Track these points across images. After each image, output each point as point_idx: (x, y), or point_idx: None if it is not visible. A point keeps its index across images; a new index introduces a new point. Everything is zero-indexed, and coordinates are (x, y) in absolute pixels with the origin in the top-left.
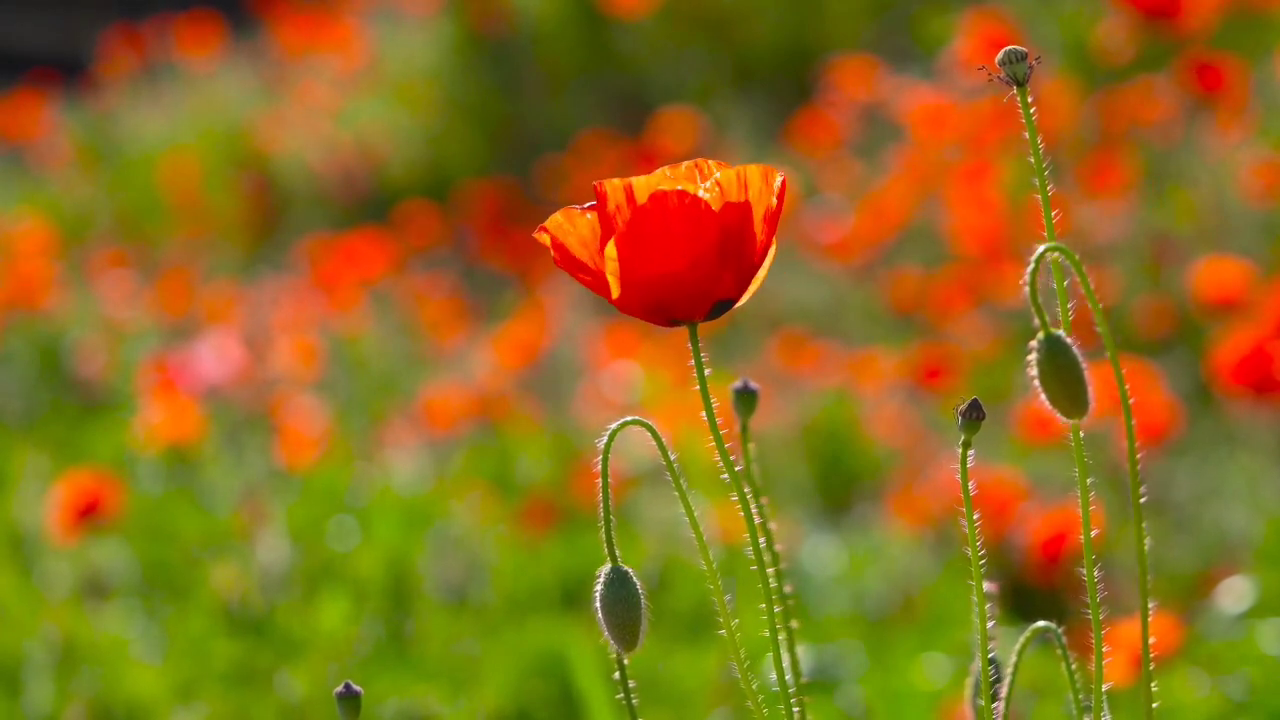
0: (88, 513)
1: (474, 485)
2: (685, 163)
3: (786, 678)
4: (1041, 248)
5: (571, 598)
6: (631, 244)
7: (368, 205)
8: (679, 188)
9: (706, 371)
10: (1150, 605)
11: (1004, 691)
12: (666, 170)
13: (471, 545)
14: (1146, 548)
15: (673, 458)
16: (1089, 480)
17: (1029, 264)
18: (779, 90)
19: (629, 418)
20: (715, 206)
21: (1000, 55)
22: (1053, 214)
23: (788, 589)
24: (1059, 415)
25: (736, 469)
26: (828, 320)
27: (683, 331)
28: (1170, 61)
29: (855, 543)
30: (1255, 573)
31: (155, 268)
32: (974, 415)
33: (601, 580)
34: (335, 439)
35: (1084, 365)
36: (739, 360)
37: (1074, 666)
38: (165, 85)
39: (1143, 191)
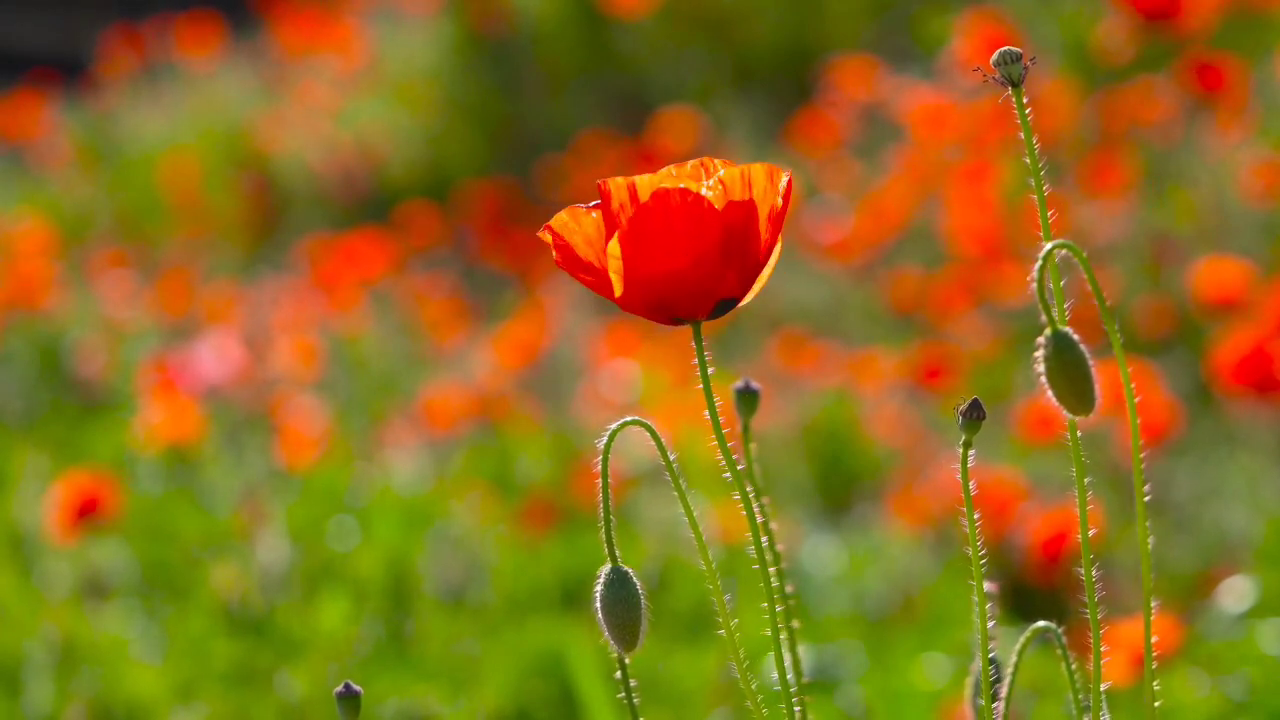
0: (86, 513)
1: (474, 485)
2: (691, 161)
3: (788, 677)
4: (1049, 245)
5: (571, 598)
6: (634, 242)
7: (368, 205)
8: (682, 186)
9: (709, 370)
10: (1152, 605)
11: (1004, 691)
12: (671, 169)
13: (471, 545)
14: (1149, 547)
15: (672, 458)
16: (1088, 480)
17: (1037, 261)
18: (779, 90)
19: (629, 418)
20: (718, 205)
21: (995, 56)
22: (1050, 214)
23: (789, 589)
24: (1065, 412)
25: (738, 469)
26: (828, 320)
27: (682, 331)
28: (1170, 61)
29: (855, 543)
30: (1255, 573)
31: (155, 268)
32: (975, 415)
33: (601, 580)
34: (335, 439)
35: (1091, 362)
36: (739, 360)
37: (1074, 666)
38: (165, 85)
39: (1143, 191)
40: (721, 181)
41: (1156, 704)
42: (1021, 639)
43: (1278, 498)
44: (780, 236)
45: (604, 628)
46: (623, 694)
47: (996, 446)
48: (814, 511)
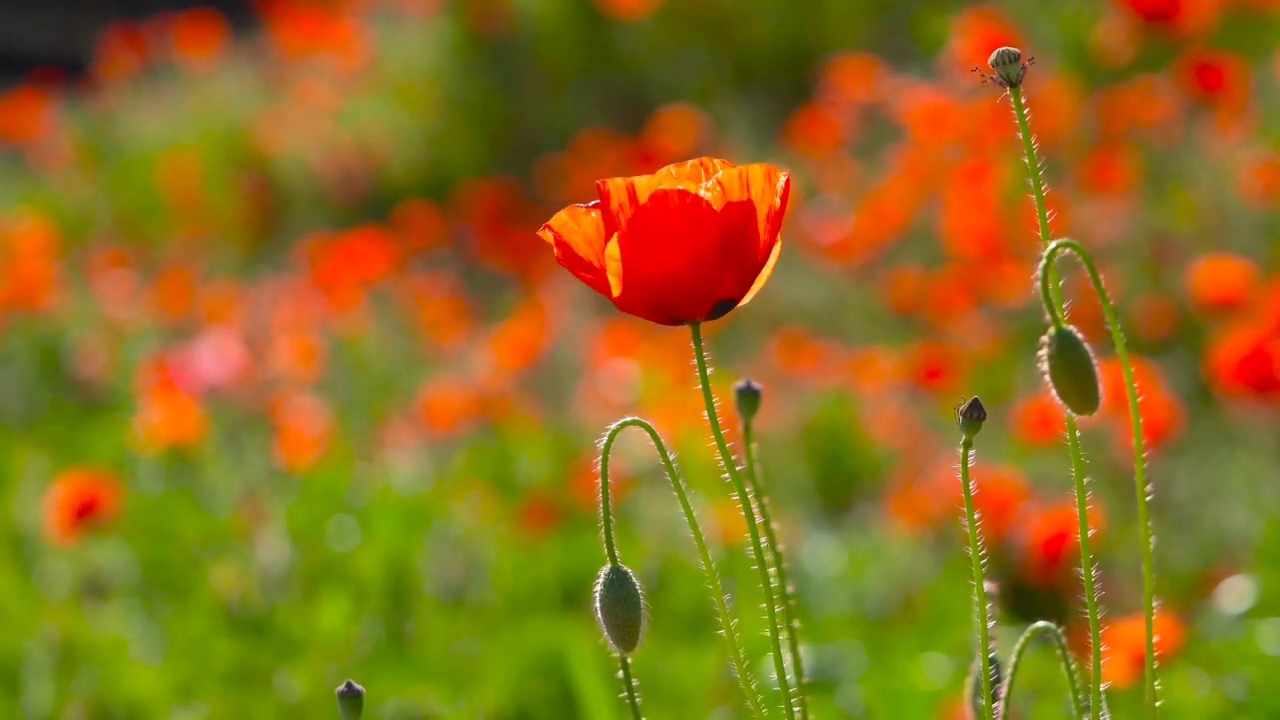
0: (85, 513)
1: (474, 485)
2: (690, 161)
3: (788, 678)
4: (1053, 244)
5: (571, 598)
6: (633, 243)
7: (368, 205)
8: (681, 187)
9: (708, 371)
10: (1154, 604)
11: (1004, 691)
12: (671, 169)
13: (471, 545)
14: (1150, 546)
15: (672, 458)
16: (1088, 480)
17: (1041, 261)
18: (779, 90)
19: (629, 418)
20: (717, 206)
21: (993, 56)
22: (1050, 214)
23: (790, 589)
24: (1069, 411)
25: (738, 469)
26: (828, 320)
27: (682, 331)
28: (1170, 61)
29: (855, 543)
30: (1255, 573)
31: (155, 268)
32: (975, 415)
33: (601, 580)
34: (335, 439)
35: (1095, 361)
36: (739, 360)
37: (1073, 666)
38: (165, 85)
39: (1143, 191)
40: (720, 182)
41: (1157, 704)
42: (1021, 639)
43: (1278, 498)
44: (779, 237)
45: (604, 628)
46: (624, 694)
47: (996, 446)
48: (814, 511)
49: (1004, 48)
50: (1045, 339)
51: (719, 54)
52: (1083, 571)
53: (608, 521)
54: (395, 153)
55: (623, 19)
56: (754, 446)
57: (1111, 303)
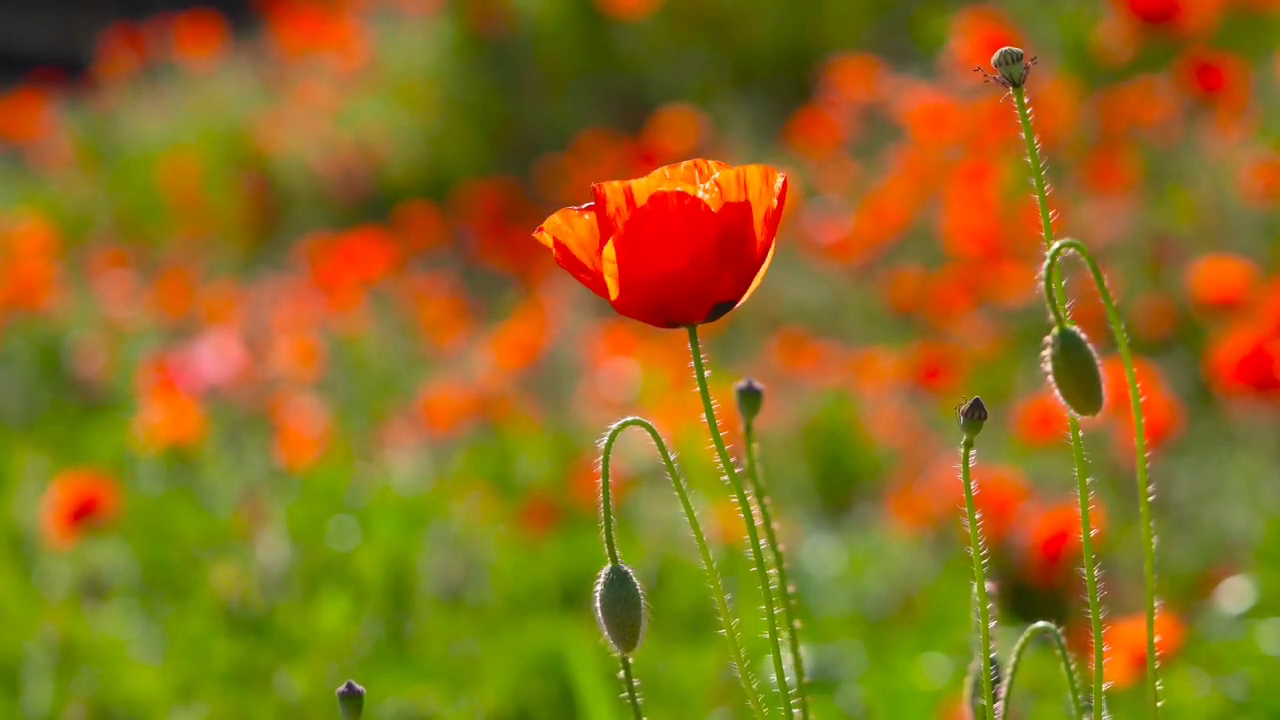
0: (83, 514)
1: (474, 485)
2: (685, 162)
3: (788, 678)
4: (1057, 244)
5: (571, 598)
6: (630, 246)
7: (368, 205)
8: (678, 189)
9: (706, 373)
10: (1155, 604)
11: (1004, 691)
12: (666, 170)
13: (471, 545)
14: (1152, 547)
15: (673, 458)
16: (1089, 480)
17: (1044, 261)
18: (779, 90)
19: (630, 418)
20: (714, 208)
21: (996, 56)
22: (1051, 214)
23: (790, 589)
24: (1072, 411)
25: (737, 470)
26: (828, 320)
27: (683, 331)
28: (1170, 61)
29: (855, 543)
30: (1255, 573)
31: (155, 268)
32: (976, 415)
33: (601, 580)
34: (335, 439)
35: (1098, 362)
36: (739, 360)
37: (1073, 666)
38: (165, 85)
39: (1143, 191)
40: (717, 184)
41: (1159, 704)
42: (1021, 639)
43: (1278, 498)
44: (775, 238)
45: (604, 627)
46: (624, 694)
47: (997, 446)
48: (814, 511)
49: (1007, 47)
50: (1049, 339)
51: (719, 54)
52: (1085, 572)
53: (609, 521)
54: (395, 153)
55: (623, 19)
56: (755, 446)
57: (1112, 303)
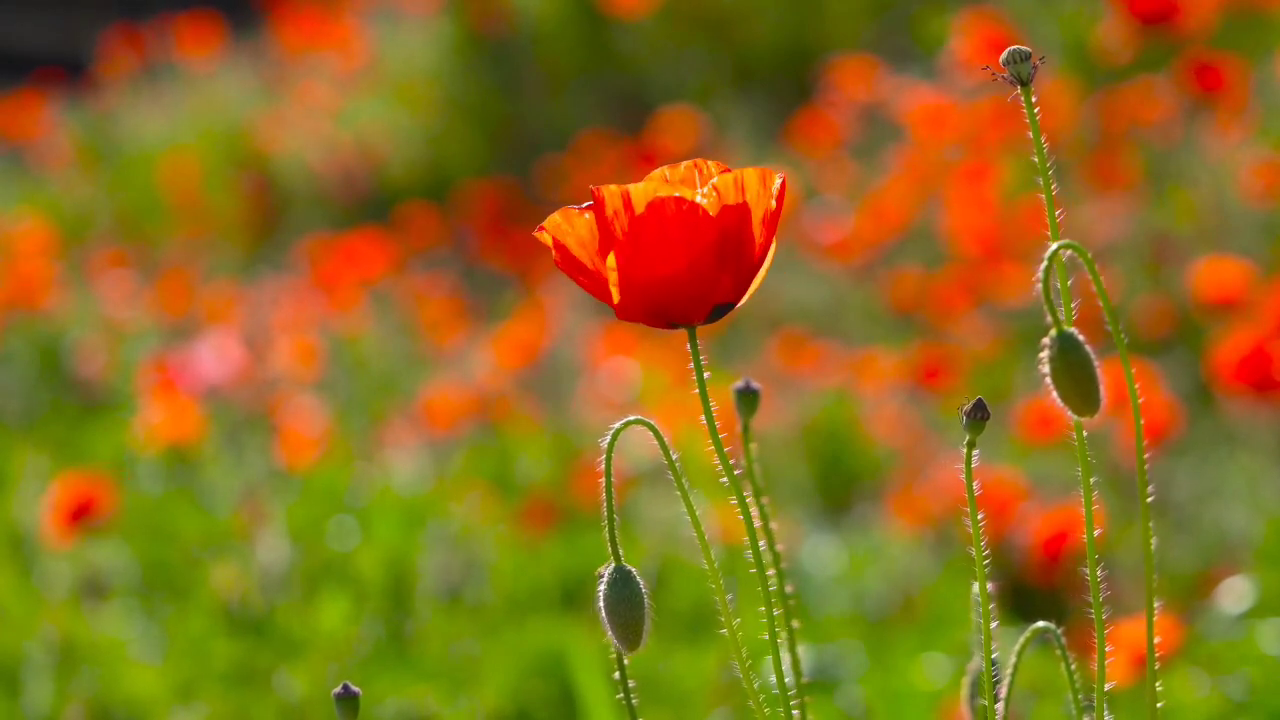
0: (82, 514)
1: (474, 485)
2: (684, 163)
3: (787, 678)
4: (1054, 245)
5: (571, 598)
6: (629, 250)
7: (368, 205)
8: (677, 194)
9: (706, 374)
10: (1154, 604)
11: (1004, 691)
12: (665, 171)
13: (471, 545)
14: (1151, 547)
15: (674, 457)
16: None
17: (1043, 262)
18: (779, 90)
19: (632, 417)
20: (712, 212)
21: (1004, 55)
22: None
23: (789, 589)
24: (1070, 413)
25: (736, 471)
26: (828, 320)
27: (683, 331)
28: (1170, 61)
29: (855, 543)
30: (1255, 573)
31: (155, 268)
32: (979, 415)
33: (605, 580)
34: (335, 439)
35: (1096, 363)
36: (739, 360)
37: (1073, 666)
38: (165, 85)
39: (1143, 191)
40: (715, 188)
41: (1159, 704)
42: (1021, 639)
43: (1278, 498)
44: (775, 239)
45: (607, 627)
46: (623, 694)
47: (997, 446)
48: (814, 511)
49: (1016, 46)
50: (1046, 341)
51: (719, 54)
52: (1088, 572)
53: (611, 520)
54: (395, 153)
55: (623, 19)
56: (753, 446)
57: (1112, 303)
